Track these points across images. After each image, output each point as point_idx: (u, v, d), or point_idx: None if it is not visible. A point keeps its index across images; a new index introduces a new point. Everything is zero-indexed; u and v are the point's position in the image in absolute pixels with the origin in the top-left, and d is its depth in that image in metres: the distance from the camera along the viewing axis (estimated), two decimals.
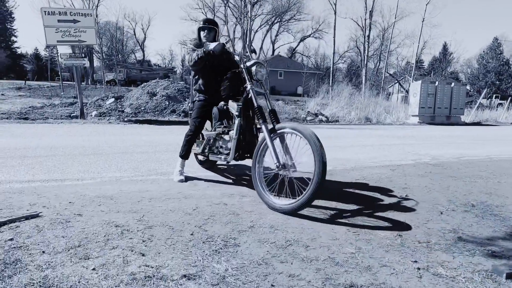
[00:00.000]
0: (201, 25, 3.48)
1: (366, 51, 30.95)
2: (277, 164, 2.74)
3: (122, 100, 12.18)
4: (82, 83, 48.43)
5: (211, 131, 3.57)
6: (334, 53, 27.17)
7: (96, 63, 50.05)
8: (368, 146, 6.59)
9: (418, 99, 15.01)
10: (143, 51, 59.01)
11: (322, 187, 2.48)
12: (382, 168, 4.54)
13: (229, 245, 2.06)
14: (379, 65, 42.95)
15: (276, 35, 53.28)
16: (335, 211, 2.77)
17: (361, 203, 3.00)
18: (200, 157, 4.03)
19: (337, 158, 5.12)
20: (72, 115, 10.02)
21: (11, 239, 1.98)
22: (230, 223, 2.41)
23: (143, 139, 6.22)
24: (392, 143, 7.27)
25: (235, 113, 3.16)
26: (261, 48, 49.06)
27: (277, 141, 2.84)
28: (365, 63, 30.55)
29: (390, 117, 15.20)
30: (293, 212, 2.60)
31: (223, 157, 3.28)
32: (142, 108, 11.27)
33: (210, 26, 3.47)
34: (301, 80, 36.59)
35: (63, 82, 24.28)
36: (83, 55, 9.26)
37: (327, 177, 3.66)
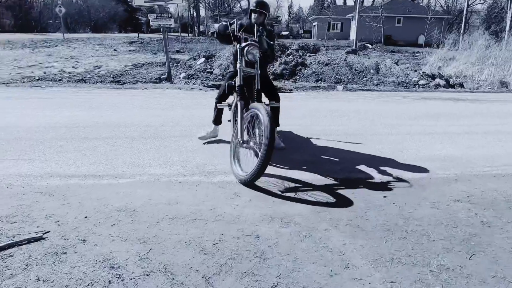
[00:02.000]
0: (252, 8, 3.79)
1: None
2: (239, 139, 3.21)
3: (213, 59, 12.15)
4: (189, 34, 50.96)
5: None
6: None
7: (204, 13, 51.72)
8: (492, 134, 5.24)
9: None
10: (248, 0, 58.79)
11: (269, 161, 2.85)
12: (505, 180, 3.47)
13: None
14: None
15: None
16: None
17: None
18: None
19: (435, 156, 4.13)
20: (161, 77, 10.34)
21: None
22: (249, 276, 1.94)
23: None
24: None
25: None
26: None
27: (248, 118, 3.24)
28: None
29: None
30: (247, 183, 3.06)
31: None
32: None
33: (260, 11, 3.77)
34: (423, 27, 32.39)
35: (171, 34, 25.73)
36: (169, 15, 9.27)
37: (415, 192, 2.88)
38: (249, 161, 3.20)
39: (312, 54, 12.59)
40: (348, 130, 5.12)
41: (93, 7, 53.15)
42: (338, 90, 9.04)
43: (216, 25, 3.72)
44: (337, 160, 3.85)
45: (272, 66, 11.18)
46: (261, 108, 3.00)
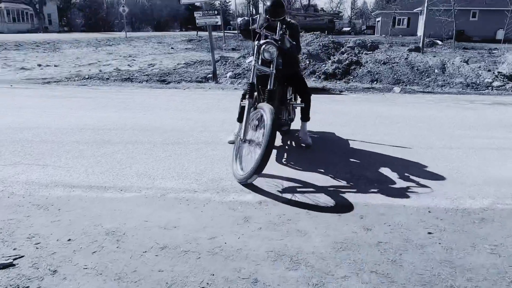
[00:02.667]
0: (266, 8, 3.66)
1: None
2: (241, 137, 3.19)
3: None
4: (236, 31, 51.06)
5: None
6: None
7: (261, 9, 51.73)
8: None
9: None
10: None
11: (266, 161, 2.82)
12: None
13: None
14: None
15: None
16: None
17: None
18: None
19: (505, 179, 3.39)
20: (208, 76, 10.21)
21: None
22: None
23: None
24: None
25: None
26: None
27: (253, 117, 3.21)
28: None
29: None
30: (243, 183, 3.05)
31: None
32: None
33: (274, 9, 3.61)
34: (503, 20, 29.47)
35: (230, 32, 25.87)
36: (215, 12, 9.08)
37: (471, 229, 2.31)
38: (250, 161, 3.07)
39: (369, 52, 11.78)
40: (398, 140, 4.49)
41: (156, 6, 55.41)
42: (394, 92, 8.26)
43: (239, 19, 3.70)
44: (374, 178, 3.30)
45: (323, 65, 10.59)
46: (266, 108, 3.01)
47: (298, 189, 3.06)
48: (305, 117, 4.12)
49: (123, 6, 31.24)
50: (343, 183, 3.20)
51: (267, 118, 2.90)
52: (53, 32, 38.59)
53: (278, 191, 3.01)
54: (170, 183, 3.14)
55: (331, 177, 3.32)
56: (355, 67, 10.27)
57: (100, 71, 11.51)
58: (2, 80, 9.21)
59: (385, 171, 3.49)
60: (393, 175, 3.38)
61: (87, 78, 9.54)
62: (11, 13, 41.84)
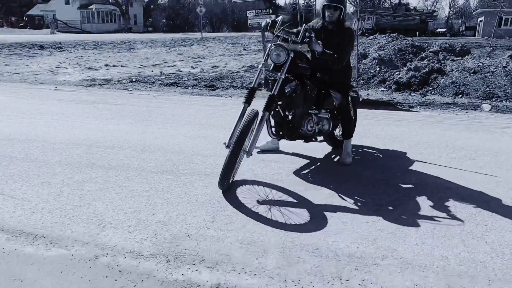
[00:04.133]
0: (325, 3, 3.57)
1: None
2: (225, 142, 3.19)
3: None
4: None
5: None
6: None
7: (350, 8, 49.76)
8: None
9: None
10: None
11: (229, 166, 2.95)
12: None
13: None
14: None
15: None
16: None
17: None
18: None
19: None
20: (261, 82, 9.47)
21: None
22: None
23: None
24: None
25: None
26: None
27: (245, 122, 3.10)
28: None
29: None
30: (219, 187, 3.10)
31: None
32: None
33: (335, 5, 3.55)
34: None
35: None
36: (270, 11, 8.32)
37: None
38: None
39: (457, 58, 10.08)
40: (470, 186, 3.28)
41: (236, 6, 56.34)
42: (483, 111, 6.72)
43: (263, 22, 3.74)
44: (420, 241, 2.24)
45: (397, 73, 9.23)
46: (254, 114, 3.07)
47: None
48: (344, 134, 3.92)
49: (200, 6, 31.90)
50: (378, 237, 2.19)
51: (246, 121, 3.02)
52: (137, 32, 41.04)
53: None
54: (117, 238, 2.41)
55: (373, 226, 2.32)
56: (436, 77, 8.77)
57: (161, 72, 11.40)
58: (62, 81, 9.40)
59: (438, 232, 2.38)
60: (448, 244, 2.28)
61: (134, 81, 9.36)
62: (101, 14, 45.46)
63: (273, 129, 3.50)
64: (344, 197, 3.07)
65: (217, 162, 3.79)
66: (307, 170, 3.71)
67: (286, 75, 3.25)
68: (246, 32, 49.10)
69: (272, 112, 3.37)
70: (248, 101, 3.28)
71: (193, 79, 9.84)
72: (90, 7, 44.72)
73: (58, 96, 7.16)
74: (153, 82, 9.23)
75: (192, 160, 3.84)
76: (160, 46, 24.27)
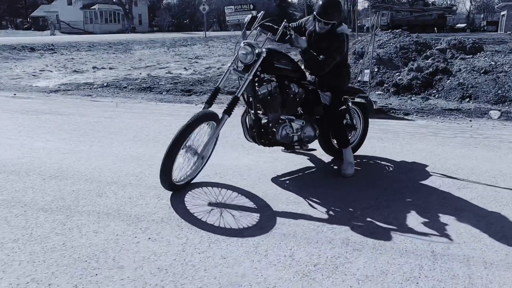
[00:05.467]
0: (315, 14, 3.32)
1: None
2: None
3: None
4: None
5: None
6: None
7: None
8: None
9: None
10: None
11: (163, 162, 2.84)
12: None
13: None
14: None
15: None
16: None
17: None
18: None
19: None
20: None
21: None
22: None
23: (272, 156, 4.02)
24: None
25: None
26: None
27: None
28: None
29: None
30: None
31: None
32: None
33: (325, 21, 3.31)
34: None
35: None
36: (251, 6, 7.59)
37: None
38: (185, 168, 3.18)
39: (467, 56, 9.18)
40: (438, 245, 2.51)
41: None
42: (490, 118, 5.86)
43: (246, 18, 3.50)
44: None
45: (397, 74, 8.40)
46: (204, 114, 3.03)
47: None
48: (339, 143, 3.70)
49: (203, 5, 31.38)
50: None
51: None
52: (140, 32, 40.76)
53: None
54: None
55: None
56: (441, 78, 7.92)
57: (148, 75, 10.85)
58: (34, 87, 8.85)
59: None
60: None
61: (105, 86, 8.75)
62: (104, 14, 45.40)
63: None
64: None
65: (132, 194, 3.09)
66: (285, 178, 3.50)
67: (265, 75, 3.20)
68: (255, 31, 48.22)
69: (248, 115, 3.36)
70: (209, 102, 3.17)
71: (171, 83, 9.18)
72: (93, 7, 44.68)
73: (6, 105, 6.57)
74: (125, 87, 8.59)
75: (103, 191, 3.14)
76: (160, 46, 23.78)
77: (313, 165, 3.87)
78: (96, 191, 3.15)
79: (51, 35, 33.36)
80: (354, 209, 2.89)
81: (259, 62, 3.06)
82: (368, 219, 2.74)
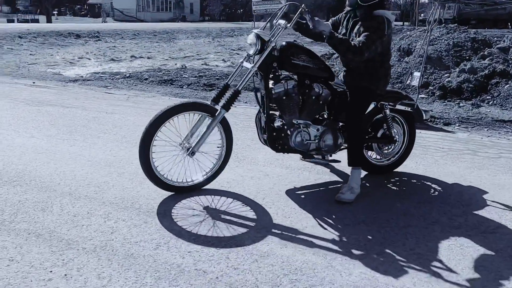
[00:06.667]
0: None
1: None
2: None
3: None
4: (404, 23, 45.68)
5: None
6: None
7: None
8: None
9: None
10: None
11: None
12: None
13: None
14: None
15: None
16: None
17: None
18: None
19: None
20: None
21: None
22: None
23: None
24: None
25: None
26: None
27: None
28: None
29: None
30: None
31: None
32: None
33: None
34: None
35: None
36: None
37: None
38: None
39: None
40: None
41: None
42: None
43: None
44: None
45: (445, 75, 7.51)
46: (207, 107, 2.96)
47: None
48: (348, 158, 3.14)
49: None
50: None
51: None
52: (191, 22, 41.18)
53: None
54: None
55: None
56: (499, 81, 6.96)
57: (183, 66, 10.66)
58: (65, 76, 8.90)
59: None
60: None
61: (127, 77, 8.58)
62: (156, 2, 46.33)
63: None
64: None
65: (80, 211, 2.71)
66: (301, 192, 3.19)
67: (281, 72, 3.01)
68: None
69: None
70: (216, 99, 3.02)
71: (196, 76, 8.85)
72: None
73: (17, 94, 6.51)
74: (145, 79, 8.36)
75: (50, 205, 2.79)
76: (205, 36, 23.76)
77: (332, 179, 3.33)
78: (43, 203, 2.81)
79: (102, 22, 34.47)
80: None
81: (266, 53, 2.83)
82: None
